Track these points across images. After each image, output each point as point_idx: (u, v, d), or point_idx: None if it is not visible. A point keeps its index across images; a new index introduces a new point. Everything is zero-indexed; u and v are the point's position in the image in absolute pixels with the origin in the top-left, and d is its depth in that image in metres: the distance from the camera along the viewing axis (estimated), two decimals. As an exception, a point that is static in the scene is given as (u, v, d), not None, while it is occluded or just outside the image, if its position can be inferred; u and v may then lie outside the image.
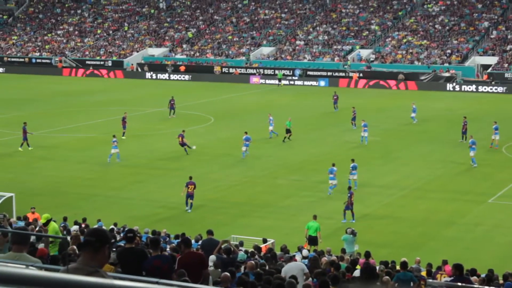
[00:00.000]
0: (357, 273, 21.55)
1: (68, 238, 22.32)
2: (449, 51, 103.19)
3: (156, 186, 45.99)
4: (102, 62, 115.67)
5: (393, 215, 40.21)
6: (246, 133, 54.76)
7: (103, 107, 77.98)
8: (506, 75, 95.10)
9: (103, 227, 7.18)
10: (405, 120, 68.98)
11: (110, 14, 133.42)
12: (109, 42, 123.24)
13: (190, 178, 41.75)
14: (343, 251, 28.94)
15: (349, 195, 38.95)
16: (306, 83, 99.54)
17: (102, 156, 54.15)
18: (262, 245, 29.64)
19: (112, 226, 31.40)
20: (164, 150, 55.99)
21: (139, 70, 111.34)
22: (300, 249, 28.82)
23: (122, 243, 21.21)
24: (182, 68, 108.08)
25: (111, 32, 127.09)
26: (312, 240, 33.51)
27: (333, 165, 44.40)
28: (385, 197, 43.84)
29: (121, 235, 26.93)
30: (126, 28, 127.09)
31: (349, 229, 32.09)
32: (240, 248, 26.63)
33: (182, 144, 54.93)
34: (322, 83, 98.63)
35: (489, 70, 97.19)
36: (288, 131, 59.89)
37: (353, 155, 51.09)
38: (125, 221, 35.26)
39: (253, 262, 19.66)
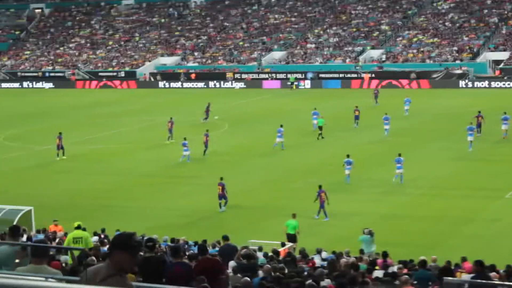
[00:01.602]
0: (376, 273, 21.55)
1: (87, 249, 22.42)
2: (456, 48, 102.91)
3: (172, 195, 46.07)
4: (115, 73, 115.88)
5: (411, 214, 40.14)
6: (281, 126, 58.40)
7: (117, 118, 78.15)
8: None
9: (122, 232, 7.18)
10: (419, 119, 68.96)
11: (120, 25, 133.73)
12: (121, 53, 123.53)
13: (221, 179, 42.42)
14: (361, 251, 28.92)
15: (317, 193, 39.91)
16: (319, 85, 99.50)
17: (118, 167, 54.40)
18: (281, 249, 29.67)
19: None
20: (178, 159, 55.92)
21: (152, 79, 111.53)
22: (319, 251, 28.81)
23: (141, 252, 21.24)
24: (193, 76, 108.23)
25: (122, 43, 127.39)
26: (291, 238, 33.89)
27: (399, 155, 46.76)
28: (402, 196, 43.82)
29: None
30: (137, 39, 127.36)
31: (367, 230, 32.08)
32: (259, 252, 26.67)
33: (206, 144, 56.17)
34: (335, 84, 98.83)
35: (501, 66, 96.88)
36: (320, 128, 61.62)
37: (370, 155, 51.40)
38: (143, 230, 35.31)
39: (269, 266, 19.68)
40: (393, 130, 62.71)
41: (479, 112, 61.18)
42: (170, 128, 62.67)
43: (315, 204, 40.89)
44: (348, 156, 47.47)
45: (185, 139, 55.65)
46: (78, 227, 26.21)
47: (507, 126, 58.81)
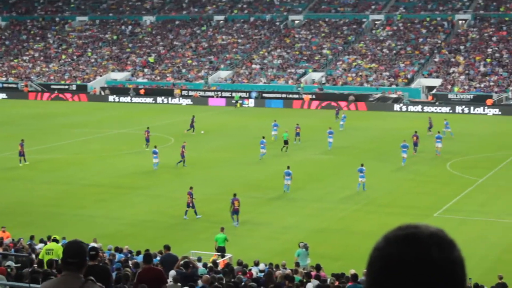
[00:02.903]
0: (309, 285, 21.57)
1: (33, 256, 22.12)
2: (392, 73, 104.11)
3: (119, 205, 45.73)
4: (66, 86, 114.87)
5: (346, 229, 40.33)
6: (263, 137, 60.64)
7: (68, 129, 77.40)
8: (450, 96, 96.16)
9: (80, 242, 6.76)
10: (355, 139, 69.46)
11: (74, 40, 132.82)
12: (73, 67, 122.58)
13: (190, 188, 42.67)
14: (297, 264, 28.96)
15: (231, 201, 40.76)
16: (262, 104, 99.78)
17: (69, 176, 53.85)
18: (220, 260, 29.58)
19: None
20: (127, 170, 55.72)
21: (102, 93, 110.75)
22: (256, 263, 28.78)
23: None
24: (142, 91, 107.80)
25: (75, 57, 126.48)
26: (221, 251, 33.84)
27: (362, 165, 48.80)
28: (338, 211, 44.02)
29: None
30: (89, 54, 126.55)
31: (302, 243, 32.15)
32: (199, 263, 26.54)
33: (182, 154, 56.67)
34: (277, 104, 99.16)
35: (433, 92, 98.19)
36: (285, 142, 62.61)
37: (309, 173, 51.56)
38: (89, 238, 34.96)
39: (208, 276, 19.61)
40: (331, 149, 63.21)
41: (416, 132, 62.56)
42: (147, 137, 64.56)
43: (252, 217, 40.98)
44: (288, 167, 48.46)
45: (155, 147, 56.81)
46: (54, 240, 26.02)
47: (441, 145, 60.84)
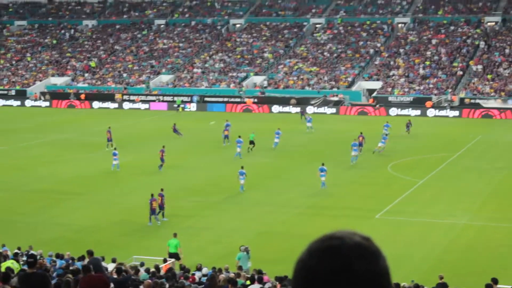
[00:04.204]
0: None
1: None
2: (334, 76, 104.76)
3: (61, 211, 45.22)
4: (5, 92, 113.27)
5: (289, 232, 40.39)
6: (239, 136, 61.74)
7: (9, 134, 76.22)
8: (390, 98, 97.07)
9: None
10: (297, 142, 69.71)
11: (12, 45, 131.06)
12: (12, 72, 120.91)
13: (161, 190, 43.09)
14: (240, 268, 28.97)
15: (149, 201, 41.61)
16: (204, 108, 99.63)
17: (7, 182, 53.07)
18: (162, 265, 29.43)
19: (16, 250, 30.68)
20: (69, 175, 55.12)
21: (42, 98, 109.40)
22: (199, 268, 28.68)
23: (25, 267, 20.74)
24: (83, 96, 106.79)
25: (14, 62, 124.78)
26: (174, 257, 33.69)
27: (323, 164, 50.32)
28: (280, 215, 44.09)
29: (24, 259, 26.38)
30: (29, 59, 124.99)
31: (243, 247, 32.13)
32: (141, 268, 26.35)
33: (162, 158, 56.64)
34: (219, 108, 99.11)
35: (374, 94, 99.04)
36: (251, 142, 63.89)
37: (252, 177, 51.50)
38: (30, 245, 34.48)
39: (149, 281, 19.48)
40: (273, 152, 63.36)
41: (361, 133, 64.28)
42: (109, 137, 65.80)
43: (196, 221, 40.92)
44: (242, 167, 49.54)
45: (115, 149, 57.95)
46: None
47: (384, 144, 63.30)
